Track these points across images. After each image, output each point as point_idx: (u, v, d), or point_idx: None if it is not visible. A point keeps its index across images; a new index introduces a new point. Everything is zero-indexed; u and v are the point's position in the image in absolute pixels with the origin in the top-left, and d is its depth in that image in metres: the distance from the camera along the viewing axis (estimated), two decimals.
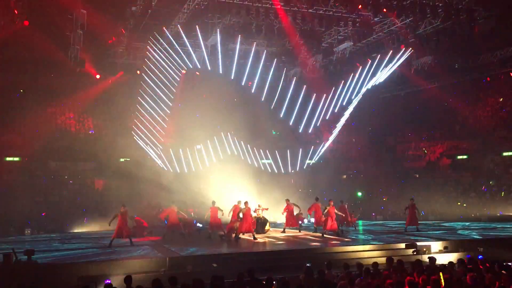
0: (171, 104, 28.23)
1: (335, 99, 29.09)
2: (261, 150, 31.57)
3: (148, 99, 28.26)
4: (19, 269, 13.11)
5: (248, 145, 31.07)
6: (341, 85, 28.30)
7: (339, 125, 32.23)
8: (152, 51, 26.05)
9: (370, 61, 26.69)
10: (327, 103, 29.20)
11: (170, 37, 24.45)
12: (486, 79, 32.84)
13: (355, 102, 31.09)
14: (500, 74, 31.17)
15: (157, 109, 28.28)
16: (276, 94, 28.49)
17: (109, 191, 29.19)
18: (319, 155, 32.14)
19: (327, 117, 29.99)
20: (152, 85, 27.68)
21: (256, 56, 26.20)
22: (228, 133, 30.71)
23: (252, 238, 18.81)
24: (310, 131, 30.88)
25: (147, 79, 27.57)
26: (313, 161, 31.95)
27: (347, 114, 31.75)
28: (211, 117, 30.99)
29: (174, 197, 23.23)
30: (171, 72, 27.54)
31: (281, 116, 29.44)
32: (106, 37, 26.00)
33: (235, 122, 31.84)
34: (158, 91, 27.71)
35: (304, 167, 31.61)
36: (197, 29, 22.75)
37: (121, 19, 24.05)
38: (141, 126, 28.95)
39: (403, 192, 31.89)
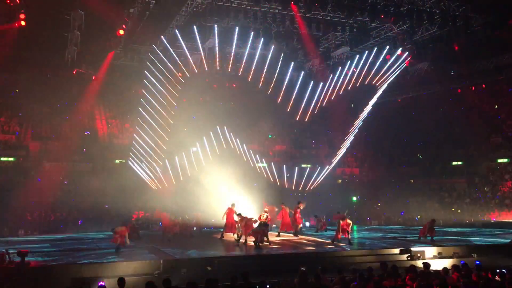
0: (171, 110, 28.25)
1: (331, 87, 28.77)
2: (257, 155, 31.58)
3: (145, 103, 28.32)
4: (12, 270, 13.03)
5: (244, 145, 31.06)
6: (338, 71, 28.01)
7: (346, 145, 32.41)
8: (155, 51, 26.11)
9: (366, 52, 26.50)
10: (324, 90, 28.97)
11: (165, 42, 24.45)
12: (481, 86, 33.00)
13: (360, 121, 31.40)
14: (495, 81, 31.32)
15: (154, 113, 28.27)
16: (272, 81, 28.16)
17: (104, 193, 29.12)
18: (319, 181, 32.19)
19: (324, 104, 29.89)
20: (150, 87, 27.70)
21: (253, 57, 26.18)
22: (225, 127, 30.73)
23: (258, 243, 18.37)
24: (306, 119, 30.65)
25: (146, 82, 27.60)
26: (313, 185, 31.92)
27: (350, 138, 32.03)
28: (207, 119, 31.01)
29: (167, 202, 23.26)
30: (169, 75, 27.58)
31: (278, 101, 29.13)
32: (103, 38, 25.97)
33: (231, 124, 31.87)
34: (156, 94, 27.71)
35: (300, 188, 31.64)
36: (195, 31, 22.73)
37: (118, 20, 24.02)
38: (139, 133, 28.96)
39: (398, 197, 32.01)
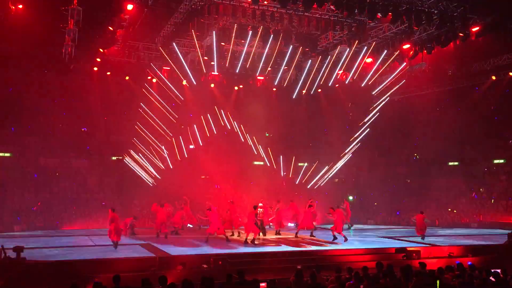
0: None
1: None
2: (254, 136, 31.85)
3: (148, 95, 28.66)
4: (7, 266, 13.02)
5: (242, 126, 31.45)
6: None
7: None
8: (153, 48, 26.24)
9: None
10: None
11: (160, 47, 24.66)
12: (478, 86, 33.03)
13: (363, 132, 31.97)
14: (492, 82, 31.36)
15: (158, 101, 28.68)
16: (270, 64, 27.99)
17: (101, 189, 29.14)
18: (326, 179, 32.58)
19: (312, 92, 30.32)
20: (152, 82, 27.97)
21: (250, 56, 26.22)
22: (221, 110, 31.03)
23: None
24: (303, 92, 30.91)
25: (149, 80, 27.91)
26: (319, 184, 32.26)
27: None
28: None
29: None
30: (168, 73, 27.77)
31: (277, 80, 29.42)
32: (101, 33, 25.84)
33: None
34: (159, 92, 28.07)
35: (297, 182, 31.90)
36: (193, 29, 22.73)
37: (116, 16, 23.90)
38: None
39: (394, 197, 32.08)
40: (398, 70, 28.15)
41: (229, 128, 31.73)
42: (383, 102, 30.91)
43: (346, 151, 32.87)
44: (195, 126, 30.90)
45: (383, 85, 30.01)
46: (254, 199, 24.10)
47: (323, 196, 29.90)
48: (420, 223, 20.40)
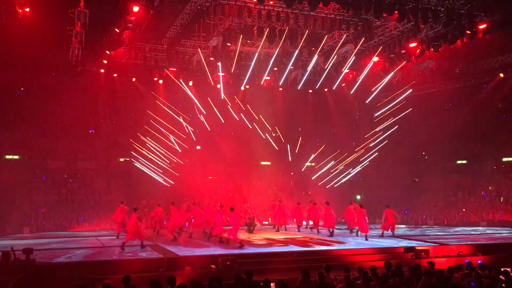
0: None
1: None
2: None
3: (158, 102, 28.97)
4: (17, 268, 13.12)
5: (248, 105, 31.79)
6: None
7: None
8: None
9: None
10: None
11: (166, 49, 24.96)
12: (486, 84, 32.83)
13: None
14: (500, 79, 31.15)
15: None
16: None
17: (109, 191, 29.26)
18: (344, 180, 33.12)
19: (318, 91, 30.83)
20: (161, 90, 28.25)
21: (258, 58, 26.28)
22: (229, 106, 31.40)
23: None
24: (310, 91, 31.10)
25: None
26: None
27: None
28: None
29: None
30: (174, 74, 27.90)
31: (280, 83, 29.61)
32: (108, 36, 25.98)
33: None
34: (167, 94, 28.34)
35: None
36: (199, 29, 22.84)
37: (123, 18, 24.00)
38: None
39: (402, 196, 31.91)
40: (403, 96, 29.79)
41: (238, 119, 31.94)
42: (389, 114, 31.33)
43: (354, 170, 33.31)
44: (201, 117, 31.03)
45: (386, 100, 30.53)
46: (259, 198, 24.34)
47: (330, 196, 29.84)
48: (390, 218, 20.72)
